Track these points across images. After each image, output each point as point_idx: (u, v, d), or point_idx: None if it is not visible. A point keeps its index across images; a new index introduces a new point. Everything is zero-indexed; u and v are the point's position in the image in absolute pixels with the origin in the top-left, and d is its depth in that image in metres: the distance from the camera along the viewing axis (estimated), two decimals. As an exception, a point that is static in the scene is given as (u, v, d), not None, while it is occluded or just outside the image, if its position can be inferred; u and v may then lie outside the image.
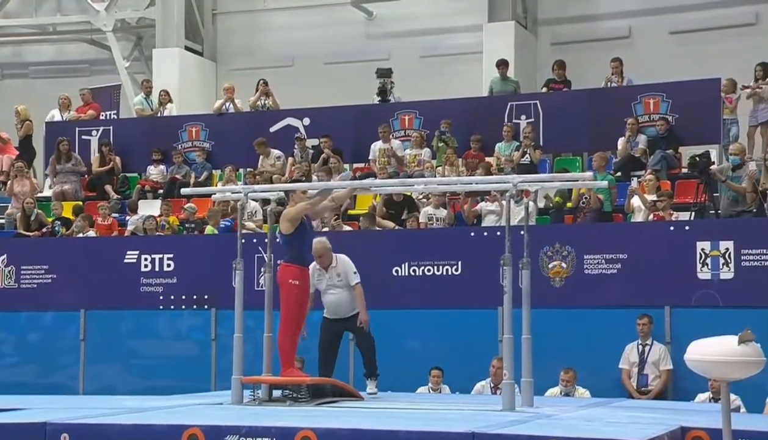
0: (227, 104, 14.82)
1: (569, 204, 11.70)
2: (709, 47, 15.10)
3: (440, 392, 9.60)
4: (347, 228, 11.71)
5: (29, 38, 19.58)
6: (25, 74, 19.49)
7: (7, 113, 17.19)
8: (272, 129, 14.21)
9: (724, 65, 13.29)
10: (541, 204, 11.83)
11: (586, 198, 11.07)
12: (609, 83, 13.43)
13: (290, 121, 14.30)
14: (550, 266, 10.05)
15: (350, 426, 5.76)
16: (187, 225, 12.44)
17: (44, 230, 13.04)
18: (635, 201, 11.00)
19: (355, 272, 8.09)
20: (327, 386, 7.70)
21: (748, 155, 11.45)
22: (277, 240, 7.73)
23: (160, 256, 11.34)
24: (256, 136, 13.83)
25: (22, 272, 11.76)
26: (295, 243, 7.55)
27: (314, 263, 8.06)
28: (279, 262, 7.70)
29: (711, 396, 8.66)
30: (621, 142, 12.51)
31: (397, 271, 10.51)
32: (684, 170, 12.04)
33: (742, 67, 12.89)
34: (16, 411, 6.78)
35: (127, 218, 12.95)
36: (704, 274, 9.66)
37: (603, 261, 10.01)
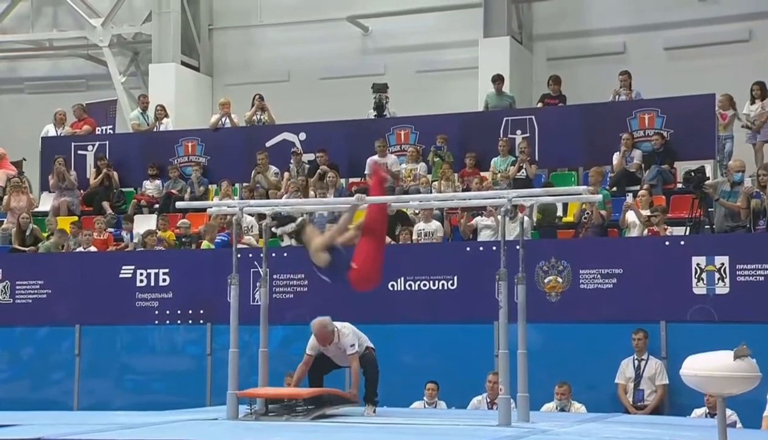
0: (223, 119, 14.84)
1: (566, 219, 11.72)
2: (703, 63, 15.17)
3: (435, 406, 9.59)
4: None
5: (25, 53, 19.58)
6: (21, 89, 19.47)
7: (5, 128, 17.23)
8: (268, 144, 14.21)
9: (718, 81, 13.36)
10: (536, 219, 11.84)
11: (588, 213, 11.09)
12: (617, 96, 13.48)
13: (286, 135, 14.32)
14: (546, 280, 10.05)
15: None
16: (183, 239, 12.44)
17: (39, 245, 13.01)
18: (630, 216, 11.01)
19: (352, 345, 7.76)
20: (324, 396, 7.64)
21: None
22: (323, 278, 7.46)
23: (156, 271, 11.33)
24: (252, 151, 13.84)
25: (17, 287, 11.73)
26: (338, 261, 7.29)
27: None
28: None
29: (707, 411, 8.64)
30: (616, 157, 12.54)
31: (393, 285, 10.50)
32: (679, 185, 12.07)
33: (736, 83, 12.96)
34: (10, 427, 6.75)
35: (124, 232, 12.92)
36: (700, 289, 9.67)
37: (599, 276, 10.01)
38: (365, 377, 7.88)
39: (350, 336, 7.79)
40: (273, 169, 13.73)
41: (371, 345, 7.93)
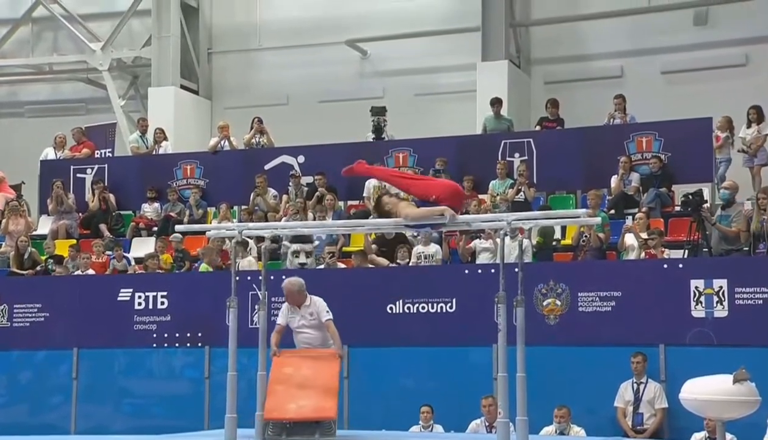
0: (222, 142, 14.87)
1: (565, 242, 11.72)
2: (700, 87, 15.24)
3: (431, 429, 9.54)
4: (341, 266, 11.70)
5: (25, 77, 19.67)
6: (21, 113, 19.55)
7: (3, 151, 17.26)
8: (267, 167, 14.24)
9: (714, 105, 13.39)
10: (535, 241, 11.85)
11: (586, 236, 11.11)
12: (612, 120, 13.53)
13: (285, 158, 14.35)
14: (545, 303, 10.05)
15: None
16: (176, 262, 12.41)
17: (38, 268, 13.01)
18: (629, 239, 11.03)
19: (327, 311, 7.99)
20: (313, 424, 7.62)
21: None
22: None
23: (154, 293, 11.31)
24: (251, 173, 13.86)
25: (15, 310, 11.69)
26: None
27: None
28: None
29: (707, 435, 8.61)
30: (614, 180, 12.57)
31: (391, 308, 10.49)
32: (677, 208, 12.09)
33: (733, 107, 13.00)
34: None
35: (115, 260, 12.86)
36: (698, 312, 9.65)
37: (597, 299, 10.00)
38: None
39: (322, 302, 8.01)
40: (272, 192, 13.75)
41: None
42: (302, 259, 11.44)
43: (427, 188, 7.27)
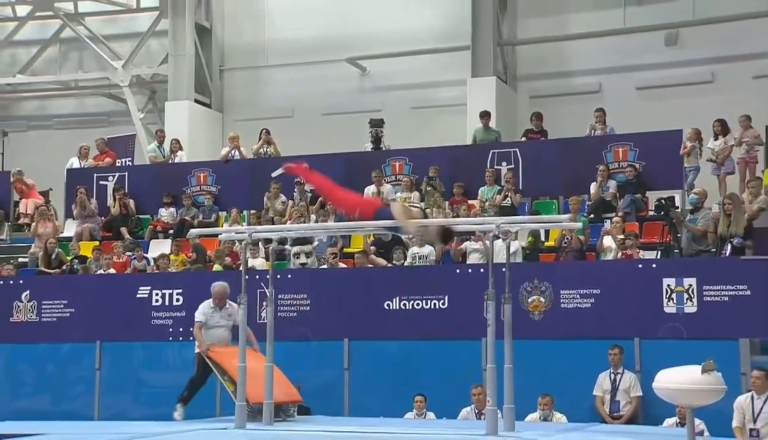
0: (233, 152, 14.88)
1: (548, 243, 11.73)
2: (671, 102, 15.28)
3: (425, 417, 9.54)
4: (342, 265, 11.70)
5: (53, 93, 19.68)
6: (49, 126, 19.55)
7: (33, 161, 17.27)
8: (273, 174, 14.19)
9: (684, 118, 13.41)
10: (523, 243, 11.85)
11: (567, 239, 11.12)
12: (593, 131, 13.54)
13: (291, 167, 14.32)
14: (530, 300, 10.05)
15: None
16: (189, 263, 12.42)
17: (64, 268, 13.01)
18: (607, 241, 11.04)
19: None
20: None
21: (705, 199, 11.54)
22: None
23: (170, 291, 11.30)
24: (260, 181, 13.85)
25: (43, 306, 11.70)
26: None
27: (210, 301, 8.72)
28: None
29: (678, 420, 8.62)
30: (593, 187, 12.58)
31: (388, 305, 10.49)
32: (651, 213, 12.10)
33: (701, 120, 13.02)
34: (35, 436, 6.72)
35: (135, 261, 12.85)
36: (670, 308, 9.66)
37: (578, 296, 10.01)
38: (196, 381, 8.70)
39: (236, 306, 8.36)
40: (281, 198, 13.76)
41: None
42: (302, 259, 11.50)
43: (353, 207, 7.43)
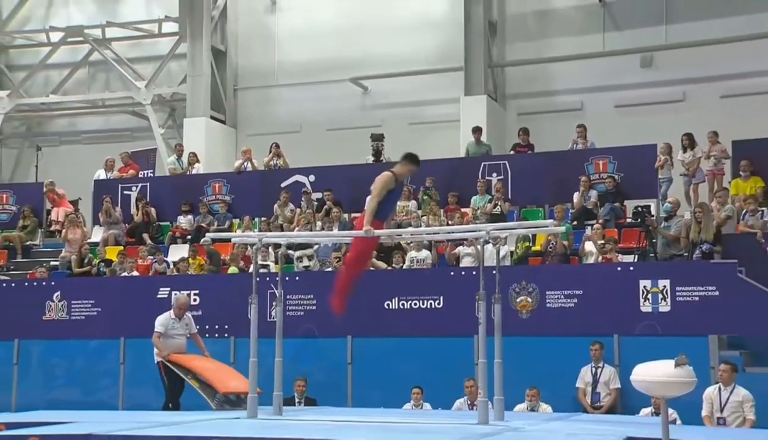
0: (245, 164, 14.91)
1: (535, 248, 11.75)
2: (647, 119, 15.32)
3: (422, 408, 9.53)
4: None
5: (82, 111, 19.73)
6: (78, 141, 19.58)
7: (63, 173, 17.31)
8: (283, 184, 14.28)
9: (658, 133, 13.47)
10: (512, 248, 11.87)
11: (553, 244, 11.14)
12: (575, 145, 13.58)
13: (298, 177, 14.40)
14: (518, 300, 10.06)
15: (351, 439, 5.72)
16: (206, 266, 12.44)
17: (92, 270, 13.02)
18: (588, 246, 11.05)
19: (195, 326, 9.39)
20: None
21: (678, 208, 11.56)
22: None
23: (188, 292, 11.29)
24: (270, 191, 13.91)
25: (73, 306, 11.71)
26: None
27: (171, 312, 9.06)
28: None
29: (653, 410, 8.63)
30: (576, 196, 12.61)
31: (388, 305, 10.50)
32: (629, 220, 12.12)
33: (674, 135, 13.08)
34: (64, 424, 6.73)
35: (156, 264, 12.86)
36: (646, 307, 9.67)
37: (562, 296, 10.02)
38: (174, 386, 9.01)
39: (191, 317, 9.21)
40: (290, 206, 13.79)
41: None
42: (305, 262, 11.56)
43: (360, 251, 7.64)
